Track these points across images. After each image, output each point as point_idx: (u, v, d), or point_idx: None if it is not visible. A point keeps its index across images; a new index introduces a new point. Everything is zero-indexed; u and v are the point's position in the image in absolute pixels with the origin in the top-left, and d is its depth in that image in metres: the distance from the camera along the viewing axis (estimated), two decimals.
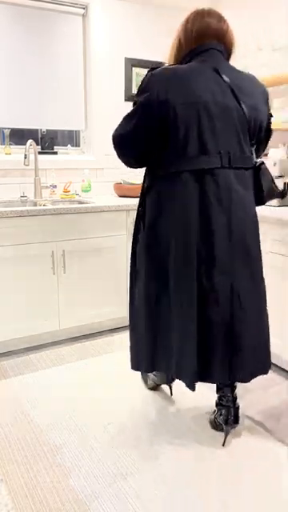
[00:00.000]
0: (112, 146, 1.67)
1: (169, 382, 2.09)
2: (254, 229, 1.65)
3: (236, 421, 1.78)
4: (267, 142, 1.82)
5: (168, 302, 1.66)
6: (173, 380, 2.07)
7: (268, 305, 2.34)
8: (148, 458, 1.70)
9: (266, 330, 1.73)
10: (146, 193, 1.69)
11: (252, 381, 2.27)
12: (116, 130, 1.65)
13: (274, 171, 2.52)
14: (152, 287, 1.68)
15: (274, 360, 2.45)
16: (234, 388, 1.80)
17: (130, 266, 1.81)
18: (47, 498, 1.50)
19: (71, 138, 3.34)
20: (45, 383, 2.23)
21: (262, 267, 1.70)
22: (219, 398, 1.83)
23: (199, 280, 1.57)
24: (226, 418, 1.77)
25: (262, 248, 2.31)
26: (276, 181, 2.53)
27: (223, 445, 1.76)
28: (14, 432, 1.85)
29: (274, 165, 2.50)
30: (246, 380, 1.68)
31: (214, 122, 1.50)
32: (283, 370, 2.38)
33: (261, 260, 1.68)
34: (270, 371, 2.38)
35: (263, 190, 1.67)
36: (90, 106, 3.15)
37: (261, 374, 1.72)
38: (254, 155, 1.64)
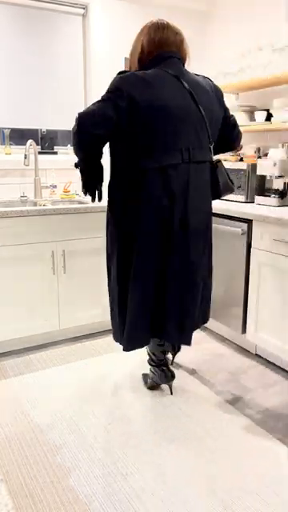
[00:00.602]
0: (77, 123, 1.69)
1: (168, 382, 2.10)
2: (207, 217, 1.90)
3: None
4: (233, 136, 2.01)
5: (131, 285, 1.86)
6: (172, 379, 2.09)
7: (268, 305, 2.34)
8: (148, 457, 1.70)
9: (208, 301, 2.06)
10: (116, 188, 1.84)
11: (252, 381, 2.28)
12: (87, 108, 1.69)
13: (273, 171, 2.52)
14: (122, 274, 1.87)
15: (274, 360, 2.46)
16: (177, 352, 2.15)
17: (106, 249, 1.97)
18: (47, 497, 1.50)
19: (71, 138, 3.34)
20: (45, 383, 2.23)
21: (212, 247, 2.00)
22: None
23: (158, 263, 1.82)
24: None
25: (262, 247, 2.32)
26: (276, 181, 2.56)
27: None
28: (13, 432, 1.85)
29: (274, 165, 2.49)
30: (189, 343, 1.94)
31: (175, 123, 1.70)
32: (283, 369, 2.39)
33: (211, 241, 1.99)
34: (269, 371, 2.40)
35: (219, 185, 1.90)
36: None
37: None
38: (212, 151, 1.87)
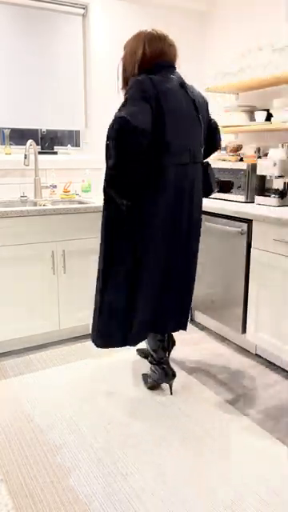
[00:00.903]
0: (120, 130, 1.63)
1: (169, 381, 2.10)
2: (200, 214, 2.05)
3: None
4: (217, 137, 2.16)
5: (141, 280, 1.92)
6: (173, 377, 2.09)
7: (268, 305, 2.34)
8: (148, 457, 1.70)
9: (192, 294, 2.16)
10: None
11: (252, 381, 2.29)
12: (123, 112, 1.65)
13: (273, 171, 2.51)
14: (131, 273, 1.90)
15: (274, 360, 2.46)
16: (171, 348, 2.18)
17: (104, 251, 1.95)
18: (47, 497, 1.50)
19: (71, 138, 3.34)
20: (45, 383, 2.23)
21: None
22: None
23: (165, 262, 1.92)
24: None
25: (262, 247, 2.33)
26: (276, 181, 2.56)
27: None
28: (13, 432, 1.85)
29: (274, 165, 2.49)
30: (185, 329, 2.12)
31: (184, 127, 1.85)
32: (283, 369, 2.39)
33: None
34: (269, 371, 2.40)
35: (211, 183, 2.08)
36: (90, 105, 3.15)
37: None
38: (203, 153, 2.02)
